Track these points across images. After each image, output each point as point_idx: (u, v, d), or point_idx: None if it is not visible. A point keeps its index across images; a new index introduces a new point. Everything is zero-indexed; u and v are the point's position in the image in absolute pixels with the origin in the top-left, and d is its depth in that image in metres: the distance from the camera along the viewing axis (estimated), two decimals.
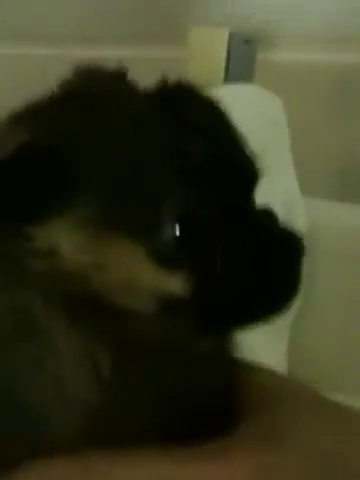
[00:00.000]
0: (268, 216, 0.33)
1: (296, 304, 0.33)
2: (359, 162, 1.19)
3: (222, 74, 1.01)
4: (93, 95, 0.31)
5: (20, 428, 0.30)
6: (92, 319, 0.30)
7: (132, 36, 1.37)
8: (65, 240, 0.29)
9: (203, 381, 0.32)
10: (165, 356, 0.31)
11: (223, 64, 1.01)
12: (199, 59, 1.03)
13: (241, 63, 1.04)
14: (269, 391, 0.35)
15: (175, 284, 0.30)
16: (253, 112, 0.85)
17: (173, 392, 0.31)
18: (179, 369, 0.31)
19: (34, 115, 0.31)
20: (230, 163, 0.32)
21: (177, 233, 0.29)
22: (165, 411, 0.31)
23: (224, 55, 1.01)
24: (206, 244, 0.30)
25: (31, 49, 1.52)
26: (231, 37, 1.02)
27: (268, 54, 1.20)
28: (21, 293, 0.30)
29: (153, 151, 0.30)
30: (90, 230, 0.29)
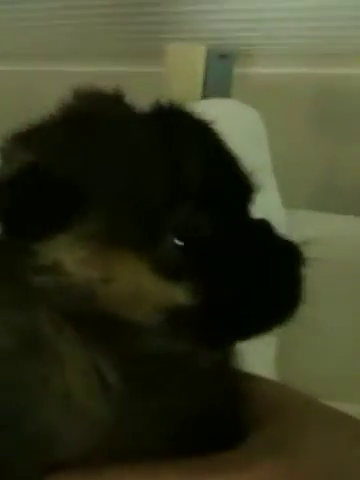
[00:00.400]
0: (265, 227, 0.33)
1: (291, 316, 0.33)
2: (338, 172, 1.21)
3: (200, 89, 1.02)
4: (93, 117, 0.32)
5: (30, 445, 0.30)
6: (97, 333, 0.30)
7: (110, 53, 1.38)
8: (69, 255, 0.30)
9: (208, 394, 0.32)
10: (170, 369, 0.31)
11: (201, 80, 1.02)
12: (177, 75, 1.04)
13: (218, 78, 1.04)
14: (275, 402, 0.35)
15: (179, 295, 0.30)
16: (232, 126, 0.85)
17: (179, 405, 0.31)
18: (184, 382, 0.32)
19: (37, 136, 0.32)
20: (226, 178, 0.33)
21: (178, 245, 0.30)
22: (172, 423, 0.31)
23: (201, 71, 1.02)
24: (207, 255, 0.31)
25: (18, 66, 1.53)
26: (208, 53, 1.03)
27: (245, 68, 1.21)
28: (26, 309, 0.31)
29: (151, 169, 0.31)
30: (94, 245, 0.30)
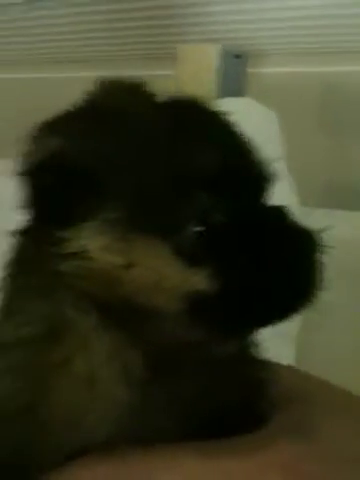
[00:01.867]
0: (282, 213, 0.34)
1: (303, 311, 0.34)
2: (349, 171, 1.21)
3: (214, 89, 1.02)
4: (116, 108, 0.33)
5: (53, 428, 0.30)
6: (121, 318, 0.31)
7: (123, 57, 1.39)
8: (93, 242, 0.31)
9: (227, 380, 0.33)
10: (190, 356, 0.32)
11: (214, 79, 1.02)
12: (190, 76, 1.05)
13: (232, 78, 1.05)
14: (294, 388, 0.36)
15: (198, 281, 0.31)
16: (247, 125, 0.85)
17: (199, 390, 0.32)
18: (204, 369, 0.32)
19: (64, 126, 0.33)
20: (242, 165, 0.33)
21: (198, 232, 0.31)
22: (192, 409, 0.32)
23: (215, 71, 1.02)
24: (226, 242, 0.32)
25: (29, 73, 1.54)
26: (222, 53, 1.04)
27: (258, 68, 1.21)
28: (52, 295, 0.32)
29: (171, 157, 0.32)
30: (118, 232, 0.30)
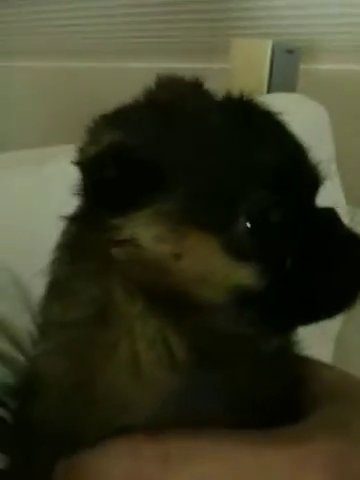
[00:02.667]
0: (332, 216, 0.34)
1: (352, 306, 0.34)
2: None
3: (265, 84, 1.02)
4: (175, 103, 0.34)
5: (98, 407, 0.32)
6: (167, 306, 0.32)
7: (177, 50, 1.39)
8: (146, 231, 0.31)
9: (269, 373, 0.34)
10: (235, 347, 0.33)
11: (266, 74, 1.02)
12: (243, 70, 1.04)
13: (284, 73, 1.04)
14: (335, 386, 0.36)
15: (246, 277, 0.31)
16: (298, 121, 0.85)
17: (241, 381, 0.33)
18: (247, 360, 0.33)
19: (124, 118, 0.33)
20: (296, 166, 0.34)
21: (249, 228, 0.31)
22: (234, 398, 0.32)
23: (267, 65, 1.02)
24: (276, 240, 0.32)
25: (84, 62, 1.56)
26: (274, 47, 1.03)
27: (311, 64, 1.20)
28: (103, 279, 0.32)
29: (228, 154, 0.32)
30: (169, 223, 0.31)
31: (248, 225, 0.31)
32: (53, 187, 0.61)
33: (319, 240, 0.33)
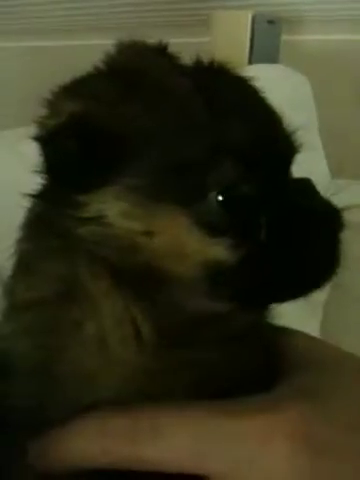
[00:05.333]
0: (307, 186, 0.33)
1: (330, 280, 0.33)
2: None
3: (247, 56, 1.01)
4: (138, 70, 0.32)
5: (65, 384, 0.31)
6: (135, 284, 0.31)
7: (157, 24, 1.38)
8: (112, 207, 0.30)
9: (239, 349, 0.33)
10: (204, 324, 0.32)
11: (248, 46, 1.01)
12: (223, 42, 1.03)
13: (266, 44, 1.03)
14: (309, 354, 0.36)
15: (219, 251, 0.31)
16: (279, 91, 0.85)
17: (209, 358, 0.32)
18: (216, 337, 0.32)
19: (84, 88, 0.32)
20: (268, 136, 0.33)
21: (220, 202, 0.30)
22: (202, 375, 0.32)
23: (248, 37, 1.01)
24: (249, 213, 0.31)
25: (60, 41, 1.54)
26: (255, 19, 1.02)
27: (293, 35, 1.19)
28: (68, 258, 0.32)
29: (196, 125, 0.31)
30: (137, 198, 0.30)
31: (219, 198, 0.30)
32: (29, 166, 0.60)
33: (293, 212, 0.32)
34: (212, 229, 0.31)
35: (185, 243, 0.30)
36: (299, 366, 0.34)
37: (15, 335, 0.32)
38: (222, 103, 0.32)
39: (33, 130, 0.32)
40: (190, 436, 0.30)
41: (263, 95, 0.35)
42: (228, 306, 0.32)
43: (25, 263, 0.34)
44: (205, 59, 0.35)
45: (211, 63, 0.35)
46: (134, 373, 0.31)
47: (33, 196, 0.34)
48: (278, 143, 0.33)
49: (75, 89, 0.32)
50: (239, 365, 0.33)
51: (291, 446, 0.30)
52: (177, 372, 0.32)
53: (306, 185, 0.33)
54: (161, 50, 0.36)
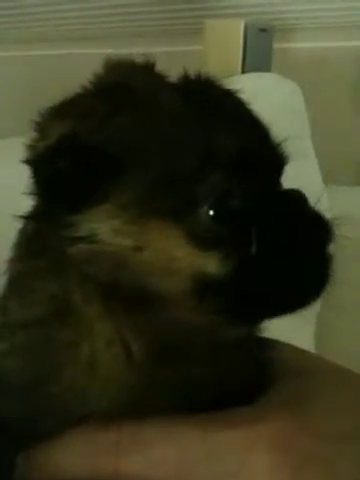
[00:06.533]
0: (297, 198, 0.33)
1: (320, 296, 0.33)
2: None
3: (239, 64, 1.02)
4: (126, 88, 0.32)
5: (58, 402, 0.32)
6: (125, 302, 0.31)
7: (148, 33, 1.38)
8: (104, 226, 0.31)
9: (229, 364, 0.33)
10: (193, 339, 0.32)
11: (240, 54, 1.01)
12: (216, 51, 1.04)
13: (258, 52, 1.04)
14: (295, 366, 0.36)
15: (209, 265, 0.31)
16: (272, 100, 0.85)
17: (199, 373, 0.32)
18: (206, 352, 0.32)
19: (72, 108, 0.32)
20: (257, 149, 0.33)
21: (211, 215, 0.30)
22: (192, 390, 0.32)
23: (241, 45, 1.01)
24: (240, 225, 0.31)
25: (54, 50, 1.54)
26: (247, 27, 1.03)
27: (284, 43, 1.20)
28: (60, 278, 0.32)
29: (185, 140, 0.31)
30: (128, 214, 0.30)
31: (210, 212, 0.31)
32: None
33: (284, 224, 0.32)
34: (203, 242, 0.31)
35: (176, 257, 0.31)
36: (282, 377, 0.34)
37: (8, 353, 0.33)
38: (210, 117, 0.32)
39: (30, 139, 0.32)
40: (174, 450, 0.30)
41: (251, 107, 0.35)
42: (218, 320, 0.32)
43: (18, 282, 0.34)
44: (192, 72, 0.35)
45: (198, 76, 0.35)
46: (124, 390, 0.31)
47: (25, 217, 0.34)
48: (267, 155, 0.33)
49: (63, 110, 0.32)
50: (229, 378, 0.33)
51: (273, 458, 0.30)
52: (167, 387, 0.32)
53: (296, 196, 0.33)
54: (149, 67, 0.36)
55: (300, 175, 0.86)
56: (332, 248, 0.33)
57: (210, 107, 0.33)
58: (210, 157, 0.31)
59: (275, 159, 0.34)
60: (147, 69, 0.36)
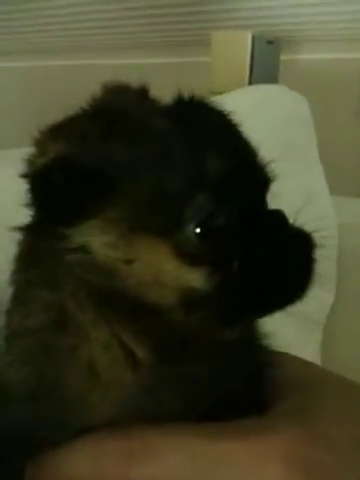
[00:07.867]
0: (279, 217, 0.35)
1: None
2: None
3: (247, 76, 1.03)
4: (119, 111, 0.34)
5: (61, 409, 0.32)
6: (120, 310, 0.33)
7: (156, 44, 1.39)
8: (96, 239, 0.32)
9: (227, 362, 0.34)
10: (189, 340, 0.33)
11: (247, 66, 1.02)
12: (223, 62, 1.05)
13: (265, 64, 1.05)
14: (299, 376, 0.37)
15: (195, 280, 0.32)
16: (279, 111, 0.86)
17: (199, 371, 0.33)
18: (203, 350, 0.34)
19: (69, 130, 0.34)
20: (243, 169, 0.34)
21: (197, 233, 0.32)
22: (193, 389, 0.33)
23: (248, 57, 1.02)
24: (225, 243, 0.33)
25: (64, 61, 1.55)
26: (254, 39, 1.04)
27: (292, 55, 1.21)
28: (55, 287, 0.33)
29: (173, 160, 0.33)
30: (119, 230, 0.32)
31: (196, 230, 0.32)
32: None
33: (266, 243, 0.34)
34: (189, 258, 0.32)
35: (163, 270, 0.32)
36: (291, 389, 0.35)
37: (12, 362, 0.34)
38: (199, 139, 0.34)
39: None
40: (183, 457, 0.31)
41: (239, 128, 0.37)
42: (204, 326, 0.33)
43: (18, 294, 0.36)
44: (187, 92, 0.36)
45: (191, 98, 0.37)
46: (130, 392, 0.32)
47: (23, 229, 0.36)
48: (253, 175, 0.35)
49: (60, 131, 0.34)
50: (229, 380, 0.34)
51: (284, 469, 0.30)
52: (173, 387, 0.33)
53: (278, 216, 0.35)
54: (143, 92, 0.38)
55: (306, 184, 0.86)
56: (314, 257, 0.35)
57: (200, 130, 0.34)
58: (197, 178, 0.32)
59: (260, 180, 0.36)
60: (141, 94, 0.38)
